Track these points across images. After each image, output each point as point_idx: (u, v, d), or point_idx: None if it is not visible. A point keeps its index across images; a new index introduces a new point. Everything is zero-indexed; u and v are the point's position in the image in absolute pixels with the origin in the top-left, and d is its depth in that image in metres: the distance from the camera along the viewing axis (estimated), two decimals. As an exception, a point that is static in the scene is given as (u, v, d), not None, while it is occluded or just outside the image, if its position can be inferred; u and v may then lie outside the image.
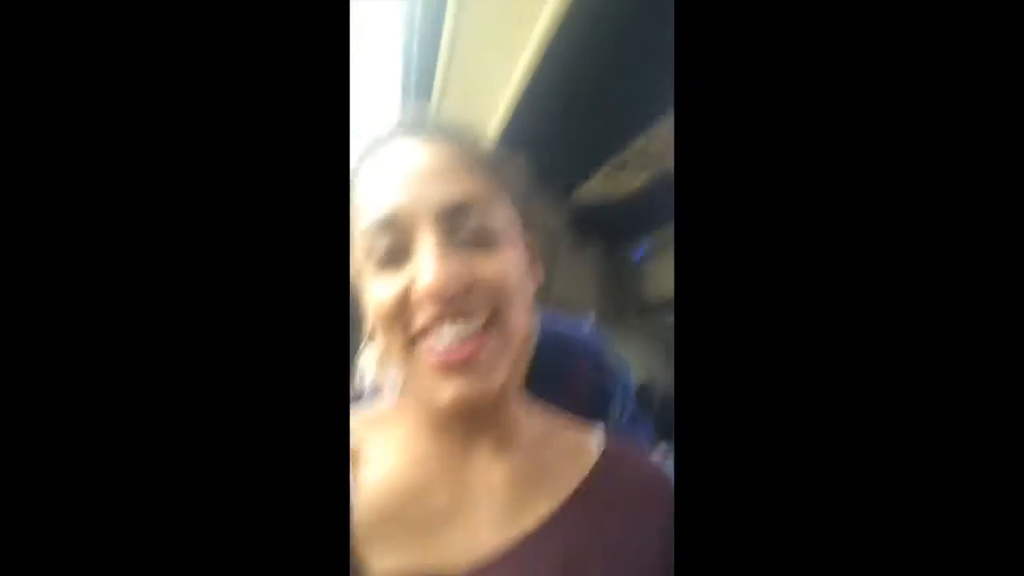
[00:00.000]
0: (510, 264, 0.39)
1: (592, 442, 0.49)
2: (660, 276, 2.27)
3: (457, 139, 0.41)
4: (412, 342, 0.38)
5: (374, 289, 0.38)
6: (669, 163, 1.43)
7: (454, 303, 0.36)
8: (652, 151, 1.40)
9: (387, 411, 0.48)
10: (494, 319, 0.38)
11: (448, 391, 0.37)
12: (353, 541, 0.39)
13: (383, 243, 0.37)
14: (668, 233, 2.00)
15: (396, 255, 0.37)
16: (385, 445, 0.45)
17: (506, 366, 0.39)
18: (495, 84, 1.29)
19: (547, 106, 1.26)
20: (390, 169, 0.39)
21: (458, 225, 0.37)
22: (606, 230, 1.94)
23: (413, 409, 0.45)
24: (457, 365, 0.37)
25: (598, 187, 1.58)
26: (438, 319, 0.36)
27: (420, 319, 0.37)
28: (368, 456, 0.44)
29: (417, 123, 0.42)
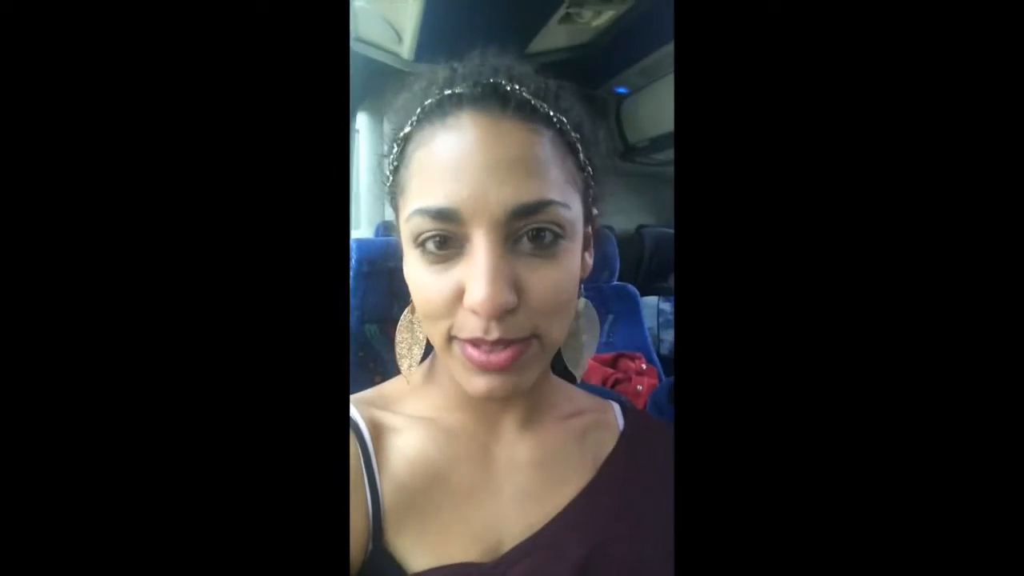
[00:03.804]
0: (563, 276, 0.37)
1: (613, 419, 0.50)
2: (642, 115, 2.07)
3: (540, 117, 0.36)
4: (452, 338, 0.37)
5: (419, 277, 0.37)
6: None
7: (501, 320, 0.35)
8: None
9: (416, 382, 0.47)
10: (537, 332, 0.37)
11: (481, 384, 0.37)
12: (380, 519, 0.40)
13: (435, 233, 0.35)
14: (646, 69, 1.77)
15: (447, 247, 0.36)
16: (412, 415, 0.44)
17: (541, 366, 0.39)
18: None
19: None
20: (456, 147, 0.35)
21: (522, 227, 0.35)
22: (576, 76, 1.72)
23: (440, 382, 0.45)
24: (490, 368, 0.36)
25: (559, 33, 1.32)
26: (483, 332, 0.35)
27: (464, 327, 0.36)
28: (395, 424, 0.43)
29: (496, 94, 0.36)
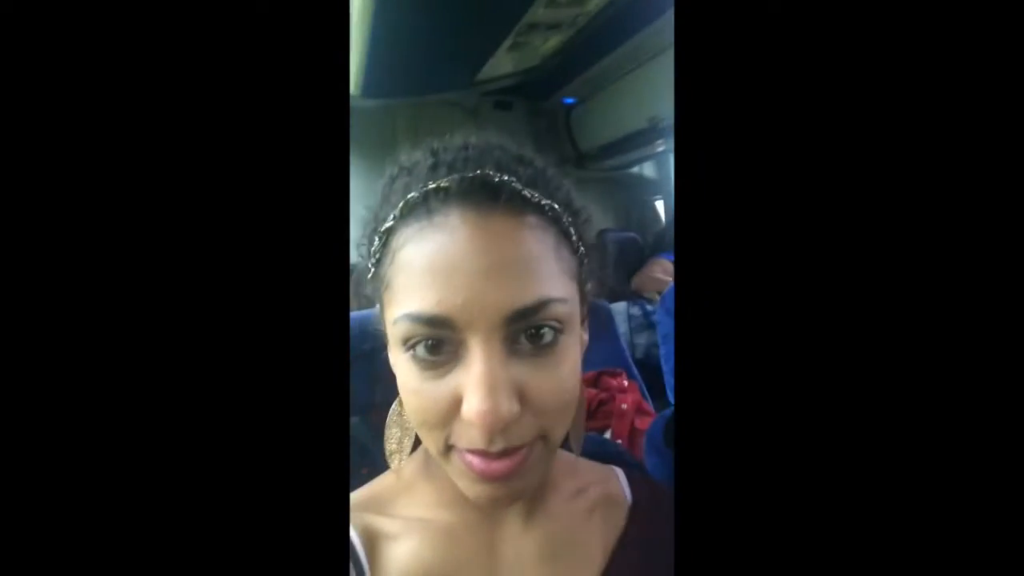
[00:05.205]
0: (566, 373, 0.35)
1: (620, 490, 0.48)
2: (591, 123, 2.08)
3: (531, 206, 0.35)
4: (450, 447, 0.35)
5: (411, 384, 0.35)
6: (589, 7, 1.16)
7: (504, 430, 0.33)
8: (562, 0, 1.12)
9: (409, 477, 0.45)
10: (543, 433, 0.35)
11: (483, 492, 0.36)
12: None
13: (428, 340, 0.34)
14: (591, 78, 1.77)
15: (440, 353, 0.34)
16: (408, 517, 0.42)
17: (546, 466, 0.38)
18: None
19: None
20: (446, 248, 0.33)
21: (521, 329, 0.33)
22: (524, 92, 1.71)
23: (436, 476, 0.43)
24: (492, 478, 0.35)
25: (507, 59, 1.31)
26: (485, 444, 0.33)
27: (463, 437, 0.34)
28: (390, 530, 0.41)
29: (486, 187, 0.34)
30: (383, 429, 0.48)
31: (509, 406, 0.32)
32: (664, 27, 1.31)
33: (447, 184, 0.34)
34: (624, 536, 0.45)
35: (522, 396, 0.33)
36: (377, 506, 0.43)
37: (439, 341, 0.33)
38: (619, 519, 0.46)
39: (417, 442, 0.43)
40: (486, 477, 0.34)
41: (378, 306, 0.39)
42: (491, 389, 0.32)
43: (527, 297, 0.33)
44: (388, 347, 0.39)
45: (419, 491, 0.43)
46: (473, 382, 0.32)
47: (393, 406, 0.42)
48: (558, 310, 0.34)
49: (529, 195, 0.35)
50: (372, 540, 0.40)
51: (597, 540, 0.44)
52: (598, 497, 0.46)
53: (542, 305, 0.33)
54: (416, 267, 0.34)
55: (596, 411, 1.32)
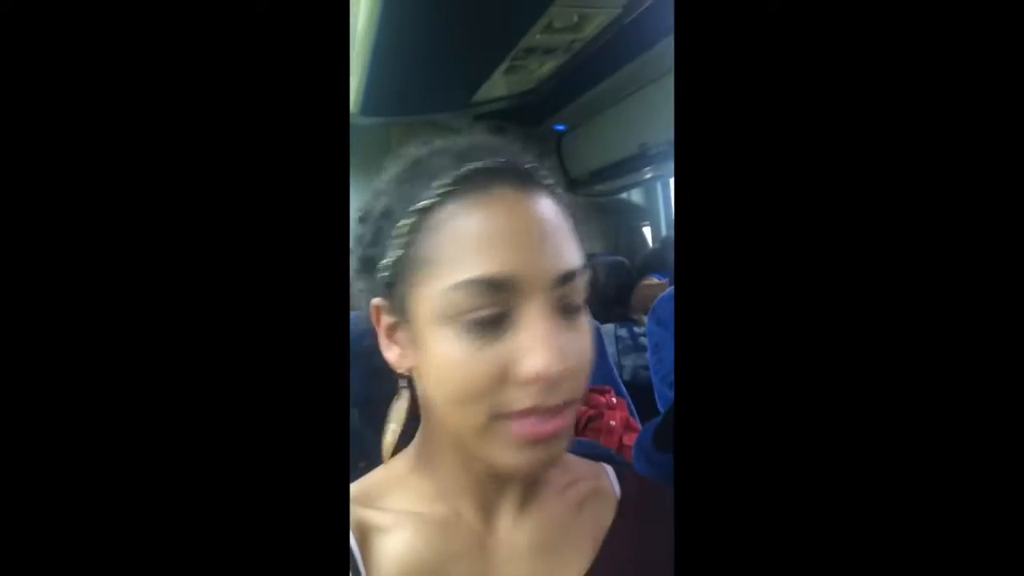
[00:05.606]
0: (588, 341, 0.38)
1: (609, 485, 0.49)
2: (582, 149, 2.13)
3: (551, 193, 0.39)
4: (496, 416, 0.36)
5: (456, 357, 0.36)
6: (585, 33, 1.21)
7: (556, 385, 0.35)
8: (559, 26, 1.17)
9: (402, 471, 0.45)
10: (577, 397, 0.37)
11: (522, 459, 0.36)
12: None
13: (483, 307, 0.35)
14: (582, 105, 1.83)
15: (495, 321, 0.35)
16: (400, 510, 0.43)
17: (572, 433, 0.40)
18: None
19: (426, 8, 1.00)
20: (499, 217, 0.36)
21: (563, 295, 0.36)
22: (518, 117, 1.75)
23: (429, 469, 0.44)
24: (541, 440, 0.36)
25: (503, 82, 1.35)
26: (541, 400, 0.35)
27: (517, 400, 0.35)
28: (382, 523, 0.42)
29: (516, 171, 0.38)
30: (380, 424, 0.48)
31: (564, 362, 0.34)
32: (657, 56, 1.36)
33: (487, 165, 0.37)
34: (613, 529, 0.45)
35: (570, 353, 0.35)
36: (369, 500, 0.43)
37: (494, 315, 0.35)
38: (608, 513, 0.46)
39: (403, 439, 0.44)
40: (538, 438, 0.35)
41: (382, 299, 0.40)
42: (550, 344, 0.34)
43: (569, 263, 0.36)
44: (384, 339, 0.40)
45: (411, 484, 0.44)
46: (531, 341, 0.34)
47: (394, 400, 0.44)
48: (582, 280, 0.37)
49: (547, 182, 0.39)
50: (365, 533, 0.41)
51: (587, 533, 0.45)
52: (588, 491, 0.47)
53: (575, 273, 0.36)
54: (471, 235, 0.35)
55: (585, 428, 1.33)
